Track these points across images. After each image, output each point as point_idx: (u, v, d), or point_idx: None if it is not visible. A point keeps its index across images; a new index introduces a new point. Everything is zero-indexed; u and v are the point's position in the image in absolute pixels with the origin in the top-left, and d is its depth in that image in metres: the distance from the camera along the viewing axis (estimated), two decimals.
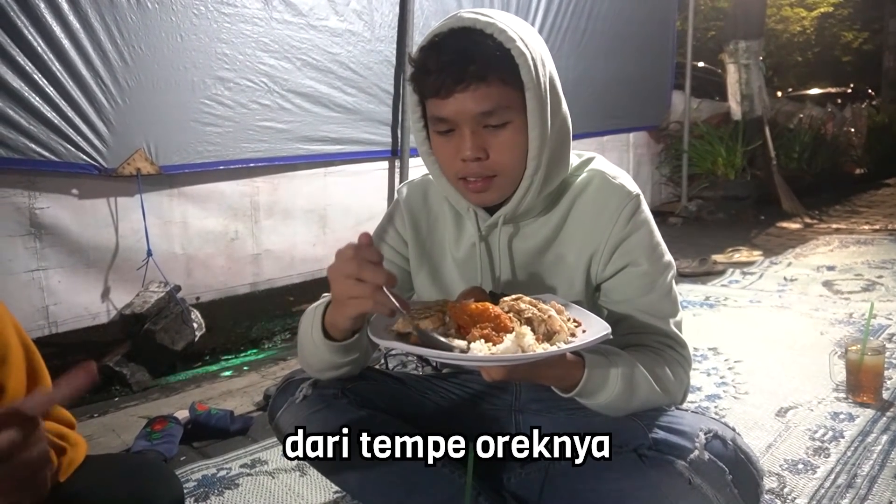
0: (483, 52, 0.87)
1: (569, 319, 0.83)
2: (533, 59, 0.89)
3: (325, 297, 0.93)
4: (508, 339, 0.74)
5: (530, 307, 0.80)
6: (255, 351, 2.40)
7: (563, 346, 0.76)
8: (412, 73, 0.92)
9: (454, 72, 0.86)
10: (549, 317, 0.79)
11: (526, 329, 0.75)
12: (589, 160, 1.04)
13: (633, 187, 0.99)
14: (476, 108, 0.87)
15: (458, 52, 0.87)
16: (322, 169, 2.77)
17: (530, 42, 0.90)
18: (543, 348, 0.75)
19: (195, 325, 2.23)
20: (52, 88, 1.97)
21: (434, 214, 1.08)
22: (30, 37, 1.90)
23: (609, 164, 1.04)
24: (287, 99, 2.58)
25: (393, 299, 0.78)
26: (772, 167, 5.22)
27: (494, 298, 0.86)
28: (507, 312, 0.79)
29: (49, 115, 1.98)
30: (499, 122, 0.89)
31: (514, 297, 0.84)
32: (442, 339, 0.76)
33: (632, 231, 0.97)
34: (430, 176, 1.07)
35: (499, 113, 0.89)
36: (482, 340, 0.74)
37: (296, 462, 1.46)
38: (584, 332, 0.82)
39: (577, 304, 0.93)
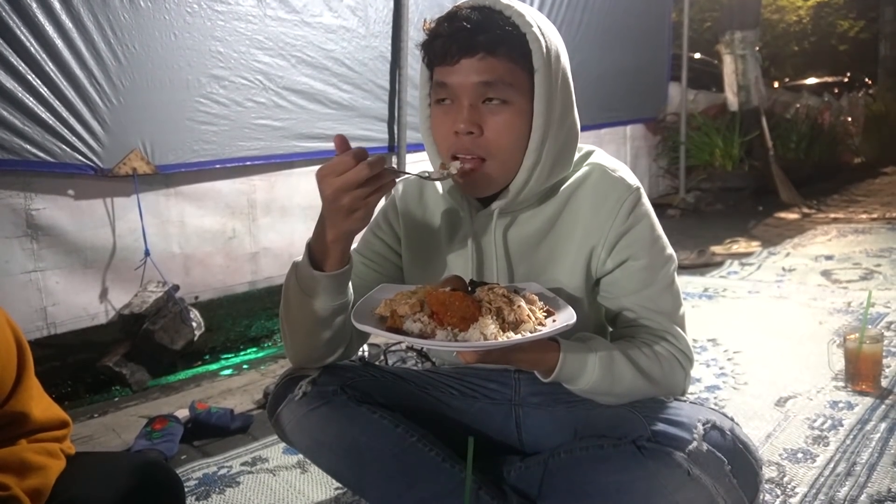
0: (497, 27, 0.88)
1: (541, 308, 0.86)
2: (547, 48, 0.89)
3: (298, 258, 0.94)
4: (473, 328, 0.79)
5: (500, 298, 0.84)
6: (254, 349, 2.40)
7: (527, 336, 0.80)
8: (424, 40, 0.93)
9: (464, 38, 0.87)
10: (518, 307, 0.83)
11: (489, 319, 0.80)
12: (588, 153, 1.03)
13: (634, 180, 0.99)
14: (478, 77, 0.88)
15: (471, 21, 0.88)
16: (319, 166, 2.75)
17: (548, 35, 0.91)
18: (507, 337, 0.79)
19: (194, 325, 2.23)
20: (45, 89, 1.96)
21: (430, 211, 1.08)
22: (22, 37, 1.89)
23: (609, 157, 1.03)
24: (282, 96, 2.57)
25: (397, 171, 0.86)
26: (769, 157, 5.22)
27: (474, 286, 0.88)
28: (479, 301, 0.83)
29: (44, 115, 1.97)
30: (498, 97, 0.89)
31: (488, 286, 0.87)
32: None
33: (632, 225, 0.96)
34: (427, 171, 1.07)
35: (500, 87, 0.89)
36: (449, 328, 0.79)
37: (296, 459, 1.47)
38: (554, 321, 0.85)
39: (569, 298, 0.94)
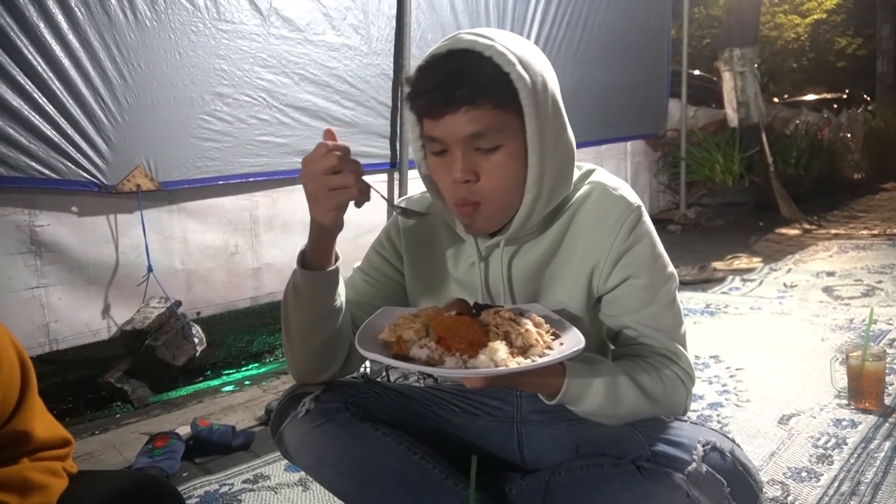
0: (477, 74, 0.86)
1: (548, 332, 0.85)
2: (533, 83, 0.87)
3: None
4: (482, 354, 0.77)
5: (507, 321, 0.83)
6: (256, 365, 2.40)
7: (538, 361, 0.79)
8: (407, 93, 0.92)
9: (444, 93, 0.86)
10: (526, 330, 0.82)
11: (499, 344, 0.79)
12: (589, 172, 1.03)
13: (634, 199, 0.98)
14: (465, 129, 0.87)
15: (450, 73, 0.86)
16: None
17: (533, 65, 0.89)
18: (517, 362, 0.78)
19: (196, 340, 2.23)
20: (51, 107, 1.98)
21: (433, 232, 1.08)
22: (29, 56, 1.92)
23: (609, 175, 1.03)
24: (285, 113, 2.60)
25: (369, 185, 0.86)
26: (769, 173, 5.24)
27: (479, 309, 0.87)
28: (485, 326, 0.82)
29: (49, 133, 1.99)
30: (490, 146, 0.88)
31: (494, 309, 0.86)
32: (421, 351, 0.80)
33: (633, 243, 0.96)
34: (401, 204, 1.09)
35: (490, 136, 0.88)
36: (458, 353, 0.78)
37: (298, 477, 1.46)
38: (561, 344, 0.84)
39: (571, 317, 0.94)
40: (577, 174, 1.02)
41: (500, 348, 0.78)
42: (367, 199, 0.87)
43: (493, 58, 0.86)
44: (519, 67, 0.86)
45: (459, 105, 0.86)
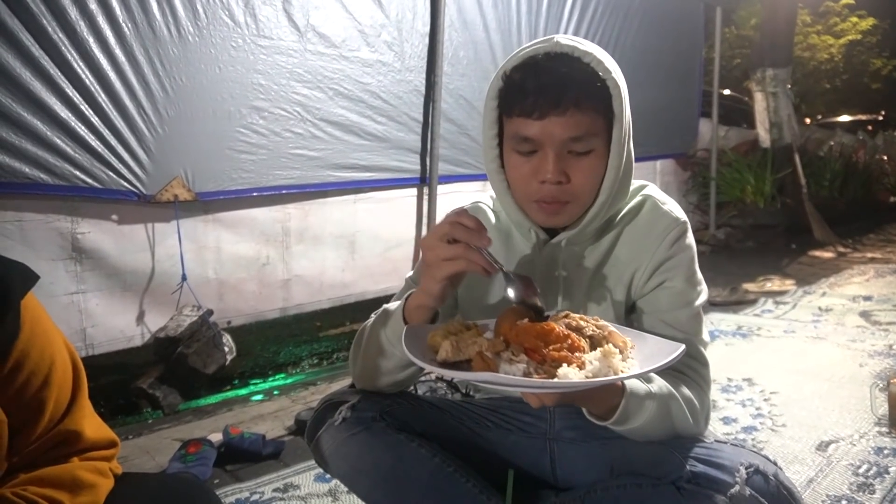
0: (582, 79, 0.89)
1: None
2: (622, 91, 0.92)
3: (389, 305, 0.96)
4: (594, 360, 0.70)
5: (588, 324, 0.79)
6: (282, 375, 2.42)
7: (645, 367, 0.73)
8: (502, 90, 0.93)
9: (553, 95, 0.88)
10: (610, 332, 0.79)
11: (613, 348, 0.72)
12: (641, 187, 1.07)
13: (682, 214, 1.02)
14: (566, 133, 0.89)
15: (558, 76, 0.89)
16: (352, 196, 2.81)
17: (621, 78, 0.93)
18: (627, 368, 0.72)
19: (226, 349, 2.26)
20: (97, 118, 2.05)
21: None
22: (78, 69, 1.98)
23: (660, 191, 1.07)
24: (319, 127, 2.64)
25: (489, 259, 0.83)
26: (802, 195, 5.15)
27: (538, 315, 0.84)
28: (567, 330, 0.77)
29: (94, 143, 2.05)
30: (584, 149, 0.92)
31: (562, 313, 0.84)
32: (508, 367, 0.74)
33: (675, 253, 0.99)
34: (482, 202, 1.11)
35: (586, 140, 0.91)
36: (565, 364, 0.71)
37: (328, 487, 1.46)
38: (632, 348, 0.80)
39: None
40: (631, 186, 1.05)
41: (616, 352, 0.71)
42: (483, 272, 0.82)
43: (591, 64, 0.90)
44: (614, 75, 0.91)
45: (566, 108, 0.88)
